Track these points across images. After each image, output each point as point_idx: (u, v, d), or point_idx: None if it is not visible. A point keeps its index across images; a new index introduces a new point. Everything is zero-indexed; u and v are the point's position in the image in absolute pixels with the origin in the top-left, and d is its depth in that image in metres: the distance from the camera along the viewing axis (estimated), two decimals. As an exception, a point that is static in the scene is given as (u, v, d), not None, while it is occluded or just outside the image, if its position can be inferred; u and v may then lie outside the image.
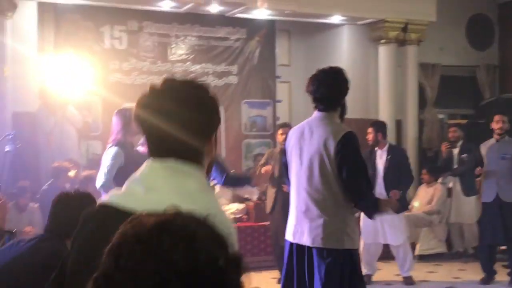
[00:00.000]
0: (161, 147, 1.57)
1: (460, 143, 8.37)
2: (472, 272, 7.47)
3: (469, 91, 10.95)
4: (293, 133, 3.79)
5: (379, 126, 7.01)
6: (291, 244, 3.75)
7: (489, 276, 7.03)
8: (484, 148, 7.08)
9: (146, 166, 1.57)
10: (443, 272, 7.80)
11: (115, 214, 1.43)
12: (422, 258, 8.27)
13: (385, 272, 7.41)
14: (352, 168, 3.54)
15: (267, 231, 7.61)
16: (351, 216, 3.68)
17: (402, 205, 6.93)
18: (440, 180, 8.66)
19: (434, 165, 8.93)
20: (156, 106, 1.56)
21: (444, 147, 8.80)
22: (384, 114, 9.11)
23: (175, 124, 1.54)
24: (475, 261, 7.72)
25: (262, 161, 7.00)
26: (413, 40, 9.55)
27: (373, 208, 3.82)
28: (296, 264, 3.71)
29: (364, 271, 6.89)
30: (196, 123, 1.56)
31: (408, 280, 7.02)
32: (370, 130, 6.96)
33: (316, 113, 3.69)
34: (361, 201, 3.70)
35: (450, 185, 8.61)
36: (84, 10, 8.38)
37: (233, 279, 0.94)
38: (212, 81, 9.35)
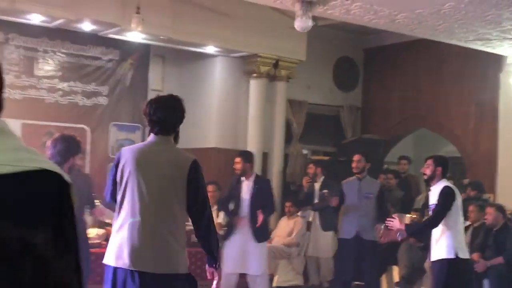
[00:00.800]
0: None
1: (321, 179, 8.68)
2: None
3: (332, 130, 11.44)
4: (129, 154, 3.68)
5: (248, 157, 7.09)
6: (116, 269, 3.57)
7: None
8: (345, 185, 7.36)
9: None
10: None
11: None
12: (280, 289, 8.43)
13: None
14: (201, 196, 3.59)
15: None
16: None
17: (265, 234, 7.05)
18: (300, 213, 8.91)
19: (297, 198, 9.18)
20: None
21: (305, 181, 9.11)
22: (252, 146, 9.27)
23: None
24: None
25: None
26: (283, 77, 9.87)
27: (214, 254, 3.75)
28: None
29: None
30: None
31: None
32: (238, 160, 6.99)
33: (152, 136, 3.70)
34: (210, 241, 3.67)
35: (310, 219, 8.88)
36: None
37: None
38: (80, 101, 9.05)
